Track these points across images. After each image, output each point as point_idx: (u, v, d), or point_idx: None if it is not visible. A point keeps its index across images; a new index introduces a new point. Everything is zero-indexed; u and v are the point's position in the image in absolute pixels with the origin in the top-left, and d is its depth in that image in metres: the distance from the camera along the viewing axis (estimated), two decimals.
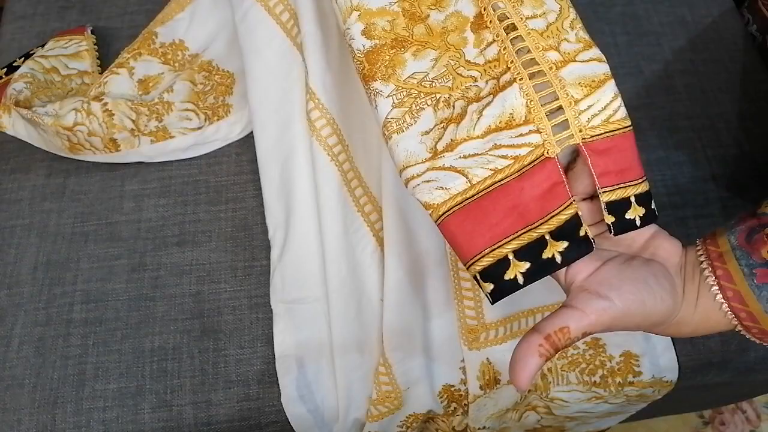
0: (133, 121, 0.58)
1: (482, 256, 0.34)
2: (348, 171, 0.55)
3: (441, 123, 0.37)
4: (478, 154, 0.35)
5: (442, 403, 0.52)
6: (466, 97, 0.36)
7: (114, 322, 0.55)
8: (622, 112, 0.35)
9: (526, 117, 0.34)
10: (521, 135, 0.34)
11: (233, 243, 0.58)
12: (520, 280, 0.33)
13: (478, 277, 0.34)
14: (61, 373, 0.53)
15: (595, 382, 0.52)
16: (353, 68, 0.46)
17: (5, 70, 0.63)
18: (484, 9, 0.37)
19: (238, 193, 0.60)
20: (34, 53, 0.64)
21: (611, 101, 0.35)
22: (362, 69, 0.39)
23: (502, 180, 0.34)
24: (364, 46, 0.39)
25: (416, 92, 0.38)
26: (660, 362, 0.53)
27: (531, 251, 0.33)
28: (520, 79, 0.35)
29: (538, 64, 0.35)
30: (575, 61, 0.35)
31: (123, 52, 0.63)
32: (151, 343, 0.54)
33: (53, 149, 0.61)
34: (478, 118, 0.35)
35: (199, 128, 0.61)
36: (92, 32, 0.67)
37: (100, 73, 0.65)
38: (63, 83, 0.62)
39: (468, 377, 0.51)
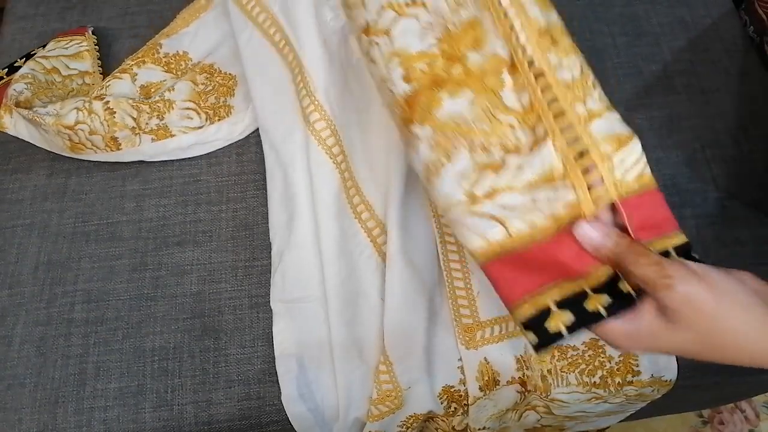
0: (135, 119, 0.59)
1: (523, 303, 0.34)
2: (347, 180, 0.56)
3: (478, 167, 0.37)
4: (517, 207, 0.35)
5: (442, 403, 0.52)
6: (505, 147, 0.36)
7: (115, 321, 0.55)
8: (648, 169, 0.36)
9: (563, 174, 0.35)
10: (559, 192, 0.35)
11: (234, 243, 0.58)
12: (564, 331, 0.33)
13: (522, 328, 0.34)
14: (62, 373, 0.53)
15: (594, 382, 0.53)
16: (353, 82, 0.47)
17: (6, 70, 0.64)
18: (514, 51, 0.37)
19: (238, 193, 0.60)
20: (35, 54, 0.64)
21: (640, 158, 0.35)
22: (402, 113, 0.39)
23: (539, 237, 0.35)
24: (404, 91, 0.39)
25: (452, 133, 0.37)
26: (659, 362, 0.53)
27: (573, 302, 0.33)
28: (552, 133, 0.35)
29: (568, 117, 0.35)
30: (601, 117, 0.35)
31: (127, 60, 0.64)
32: (152, 343, 0.54)
33: (55, 149, 0.61)
34: (519, 171, 0.36)
35: (200, 127, 0.61)
36: (93, 33, 0.67)
37: (101, 74, 0.65)
38: (64, 84, 0.63)
39: (467, 378, 0.51)
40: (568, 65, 0.36)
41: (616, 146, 0.35)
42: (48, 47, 0.64)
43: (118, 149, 0.59)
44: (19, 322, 0.55)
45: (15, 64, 0.64)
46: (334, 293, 0.53)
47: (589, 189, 0.34)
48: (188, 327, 0.55)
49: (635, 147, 0.35)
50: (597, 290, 0.34)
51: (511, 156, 0.36)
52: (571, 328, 0.33)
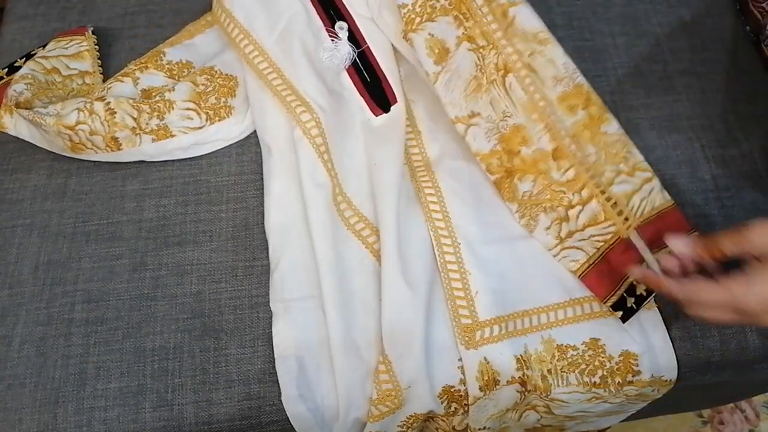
0: (135, 119, 0.59)
1: (610, 296, 0.53)
2: (338, 194, 0.57)
3: (554, 221, 0.57)
4: (585, 239, 0.55)
5: (442, 403, 0.52)
6: (563, 205, 0.56)
7: (115, 321, 0.55)
8: (662, 197, 0.56)
9: (605, 217, 0.55)
10: (604, 228, 0.55)
11: (234, 243, 0.58)
12: (634, 306, 0.53)
13: (612, 309, 0.53)
14: (62, 373, 0.53)
15: (594, 383, 0.53)
16: (342, 109, 0.61)
17: (6, 70, 0.64)
18: (561, 143, 0.56)
19: (238, 193, 0.60)
20: (35, 54, 0.64)
21: (648, 195, 0.55)
22: (501, 194, 0.59)
23: (601, 254, 0.55)
24: (492, 180, 0.58)
25: (529, 205, 0.57)
26: (659, 362, 0.53)
27: (631, 290, 0.53)
28: (596, 196, 0.55)
29: (603, 184, 0.55)
30: (626, 182, 0.55)
31: (130, 64, 0.64)
32: (152, 343, 0.54)
33: (55, 149, 0.61)
34: (577, 219, 0.56)
35: (201, 128, 0.61)
36: (93, 33, 0.67)
37: (101, 74, 0.65)
38: (64, 84, 0.63)
39: (467, 378, 0.51)
40: (601, 149, 0.56)
41: (633, 193, 0.55)
42: (48, 47, 0.64)
43: (119, 149, 0.59)
44: (19, 322, 0.55)
45: (15, 64, 0.64)
46: (331, 294, 0.53)
47: (625, 219, 0.55)
48: (188, 327, 0.55)
49: (646, 186, 0.55)
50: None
51: (570, 210, 0.56)
52: (637, 303, 0.53)
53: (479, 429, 0.55)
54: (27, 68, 0.61)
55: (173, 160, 0.62)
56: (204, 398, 0.52)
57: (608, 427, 0.64)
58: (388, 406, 0.50)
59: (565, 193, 0.56)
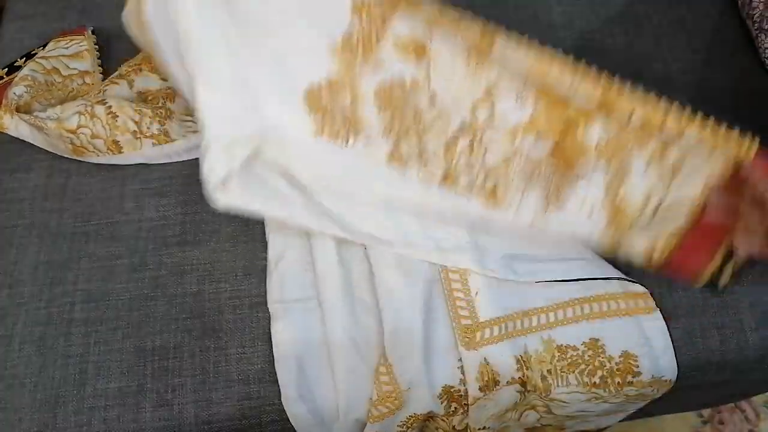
0: (136, 123, 0.59)
1: (705, 271, 0.51)
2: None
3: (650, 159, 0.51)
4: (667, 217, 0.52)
5: (442, 403, 0.52)
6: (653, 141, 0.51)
7: (115, 321, 0.55)
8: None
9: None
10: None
11: (234, 242, 0.58)
12: (728, 282, 0.51)
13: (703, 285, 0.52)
14: (62, 372, 0.53)
15: (595, 383, 0.53)
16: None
17: (6, 70, 0.64)
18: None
19: None
20: (35, 54, 0.64)
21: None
22: (561, 163, 0.52)
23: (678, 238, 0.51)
24: (548, 141, 0.52)
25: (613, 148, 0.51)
26: (659, 362, 0.53)
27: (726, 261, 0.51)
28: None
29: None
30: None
31: (123, 66, 0.64)
32: (152, 342, 0.54)
33: (57, 151, 0.61)
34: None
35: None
36: (93, 33, 0.67)
37: (101, 74, 0.65)
38: (64, 84, 0.63)
39: (467, 379, 0.51)
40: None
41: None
42: (48, 47, 0.64)
43: (120, 152, 0.60)
44: (19, 322, 0.55)
45: (15, 64, 0.64)
46: (332, 295, 0.53)
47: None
48: (188, 327, 0.55)
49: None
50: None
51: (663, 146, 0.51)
52: (732, 278, 0.51)
53: (479, 429, 0.55)
54: (27, 69, 0.61)
55: (172, 161, 0.62)
56: (204, 398, 0.52)
57: (608, 427, 0.64)
58: (388, 407, 0.50)
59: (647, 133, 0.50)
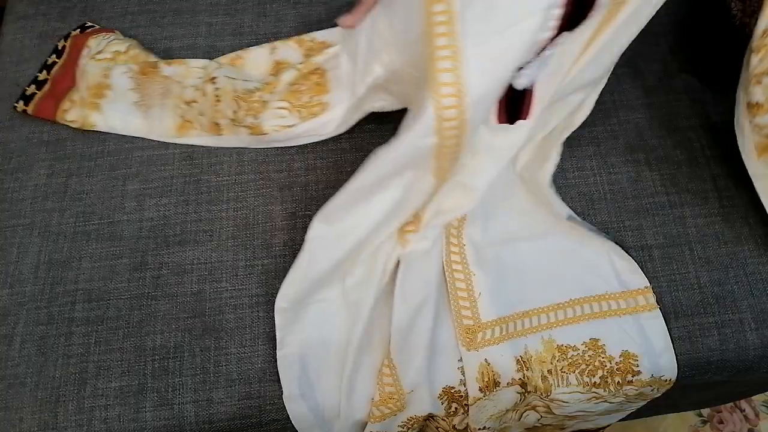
0: (234, 112, 0.60)
1: None
2: None
3: None
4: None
5: (442, 404, 0.52)
6: None
7: (115, 320, 0.55)
8: None
9: None
10: None
11: (234, 242, 0.58)
12: None
13: None
14: (62, 372, 0.53)
15: (595, 383, 0.53)
16: None
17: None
18: None
19: (239, 193, 0.60)
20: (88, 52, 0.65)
21: None
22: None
23: None
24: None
25: None
26: (659, 362, 0.53)
27: None
28: None
29: None
30: None
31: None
32: (153, 342, 0.54)
33: (154, 135, 0.62)
34: None
35: (293, 125, 0.61)
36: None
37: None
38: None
39: (467, 379, 0.51)
40: None
41: None
42: (93, 45, 0.65)
43: (219, 134, 0.62)
44: (19, 322, 0.55)
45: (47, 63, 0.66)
46: (338, 295, 0.53)
47: None
48: (189, 326, 0.55)
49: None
50: None
51: None
52: None
53: (479, 429, 0.55)
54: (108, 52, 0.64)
55: (173, 161, 0.62)
56: (204, 397, 0.52)
57: (608, 426, 0.65)
58: (389, 408, 0.50)
59: None
